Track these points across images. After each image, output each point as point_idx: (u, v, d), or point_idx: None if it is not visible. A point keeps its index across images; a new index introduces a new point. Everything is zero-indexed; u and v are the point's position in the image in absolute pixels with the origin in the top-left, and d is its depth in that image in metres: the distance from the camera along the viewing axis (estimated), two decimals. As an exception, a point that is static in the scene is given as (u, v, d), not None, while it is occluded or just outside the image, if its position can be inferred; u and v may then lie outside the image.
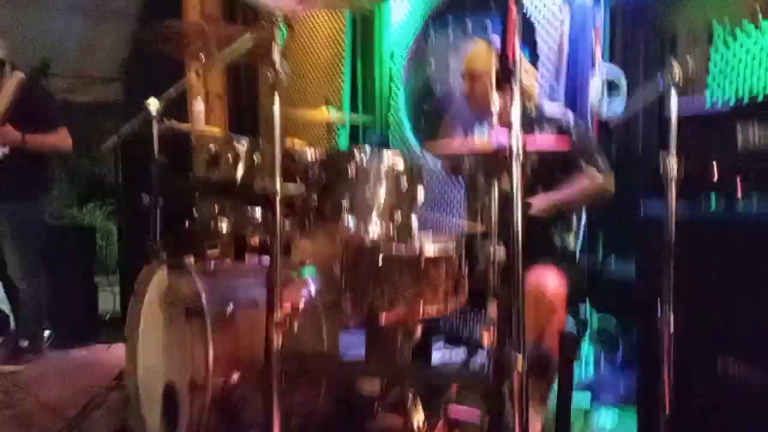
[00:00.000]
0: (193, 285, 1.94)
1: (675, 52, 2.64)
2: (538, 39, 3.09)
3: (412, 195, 1.82)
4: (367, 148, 1.77)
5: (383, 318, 1.99)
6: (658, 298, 1.66)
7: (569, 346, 1.87)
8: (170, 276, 2.04)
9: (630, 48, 2.82)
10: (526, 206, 2.04)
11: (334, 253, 2.28)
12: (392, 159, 1.76)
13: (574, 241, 2.42)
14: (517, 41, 1.12)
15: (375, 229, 1.75)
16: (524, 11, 3.04)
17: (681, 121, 1.62)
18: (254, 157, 2.01)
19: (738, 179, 1.71)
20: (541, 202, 2.17)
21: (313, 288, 2.24)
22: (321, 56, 4.05)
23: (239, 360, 1.92)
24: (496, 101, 1.72)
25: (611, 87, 2.84)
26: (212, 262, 2.09)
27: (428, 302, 1.99)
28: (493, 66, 2.29)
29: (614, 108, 2.82)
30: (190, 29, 2.27)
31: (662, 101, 2.60)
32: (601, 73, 2.85)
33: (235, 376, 1.89)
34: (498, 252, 1.73)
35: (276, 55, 1.50)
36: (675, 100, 1.52)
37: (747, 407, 1.67)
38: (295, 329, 1.97)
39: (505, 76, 1.18)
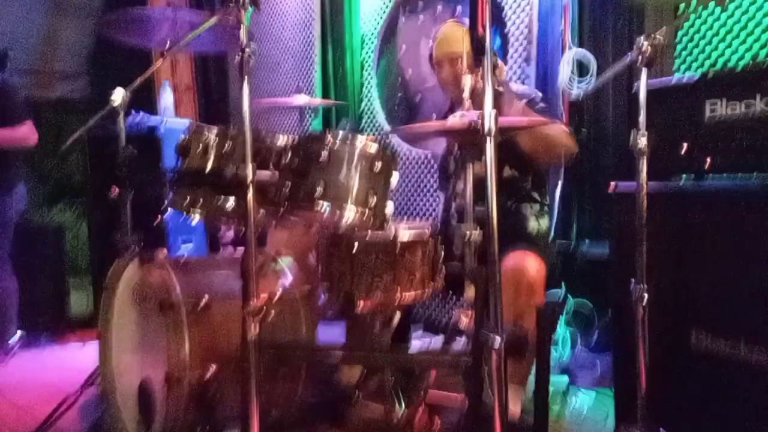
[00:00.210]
0: (166, 278, 1.90)
1: (642, 31, 2.67)
2: (508, 22, 3.09)
3: (386, 179, 1.80)
4: (340, 131, 1.74)
5: (361, 305, 1.98)
6: (632, 277, 1.68)
7: (548, 318, 1.88)
8: (142, 269, 1.99)
9: (598, 29, 2.83)
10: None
11: (309, 243, 2.27)
12: (365, 142, 1.74)
13: (547, 224, 2.43)
14: (487, 16, 1.11)
15: (350, 214, 1.72)
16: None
17: (649, 96, 1.64)
18: (225, 144, 1.97)
19: (706, 152, 1.73)
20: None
21: (289, 277, 2.22)
22: (291, 44, 4.00)
23: (216, 353, 1.89)
24: (467, 83, 1.71)
25: (581, 68, 2.85)
26: (185, 254, 2.05)
27: (405, 288, 1.98)
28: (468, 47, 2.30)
29: (585, 89, 2.84)
30: (155, 15, 2.20)
31: (630, 78, 2.68)
32: (570, 54, 2.86)
33: (212, 369, 1.86)
34: (474, 234, 1.73)
35: (244, 36, 1.47)
36: (644, 77, 1.53)
37: (720, 380, 1.70)
38: (272, 319, 1.95)
39: (476, 53, 1.16)
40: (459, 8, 3.29)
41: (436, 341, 3.22)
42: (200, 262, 2.12)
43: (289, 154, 1.79)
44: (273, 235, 2.56)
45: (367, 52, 3.77)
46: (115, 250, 2.32)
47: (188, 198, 2.27)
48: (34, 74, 5.53)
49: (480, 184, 1.45)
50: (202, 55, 4.53)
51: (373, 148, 1.75)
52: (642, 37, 1.51)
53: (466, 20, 2.47)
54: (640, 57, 1.50)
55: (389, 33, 3.67)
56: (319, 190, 1.71)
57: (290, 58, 3.97)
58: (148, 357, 1.99)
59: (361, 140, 1.75)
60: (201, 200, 2.24)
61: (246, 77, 1.49)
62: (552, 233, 2.54)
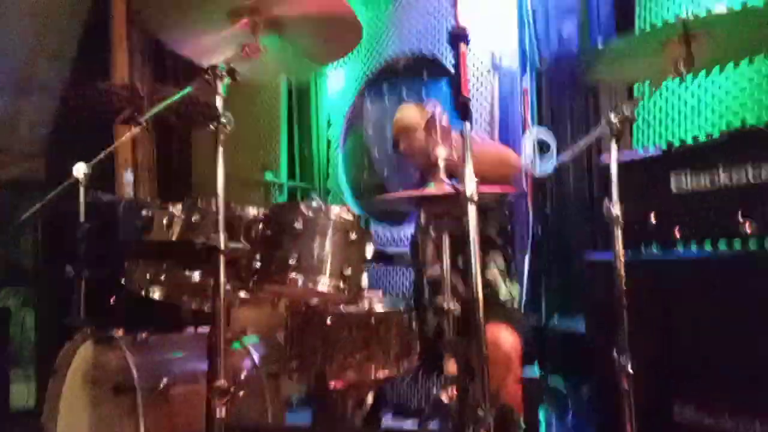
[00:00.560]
0: (122, 358, 1.77)
1: (598, 111, 2.80)
2: (470, 105, 3.20)
3: (361, 249, 1.76)
4: (314, 201, 1.71)
5: (332, 385, 1.88)
6: (614, 350, 1.64)
7: (534, 390, 1.82)
8: (96, 350, 1.85)
9: (557, 110, 2.96)
10: None
11: (277, 320, 2.17)
12: (340, 211, 1.71)
13: (518, 292, 2.41)
14: (468, 75, 1.13)
15: (324, 286, 1.66)
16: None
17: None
18: (192, 218, 1.91)
19: (674, 223, 1.76)
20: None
21: (255, 357, 2.11)
22: (258, 123, 4.03)
23: (175, 439, 1.74)
24: (441, 153, 1.72)
25: (542, 147, 2.95)
26: (143, 334, 1.93)
27: (379, 366, 1.90)
28: (424, 120, 2.37)
29: (545, 167, 2.92)
30: (122, 89, 2.18)
31: (591, 152, 2.77)
32: (531, 134, 2.96)
33: (171, 459, 1.71)
34: (452, 306, 1.69)
35: (220, 106, 1.45)
36: (614, 150, 1.57)
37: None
38: (237, 402, 1.83)
39: (462, 116, 1.18)
40: (423, 89, 3.40)
41: (408, 425, 3.08)
42: (159, 340, 1.99)
43: (261, 225, 1.74)
44: (238, 313, 2.45)
45: (333, 134, 3.83)
46: (65, 337, 2.17)
47: (148, 275, 2.19)
48: (-9, 155, 5.41)
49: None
50: (165, 132, 4.52)
51: (349, 216, 1.72)
52: (610, 111, 1.55)
53: (433, 100, 2.57)
54: (609, 129, 1.54)
55: (355, 114, 3.75)
56: (292, 261, 1.65)
57: (255, 136, 3.99)
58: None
59: (335, 209, 1.72)
60: (163, 276, 2.15)
61: (221, 146, 1.46)
62: (522, 306, 2.52)
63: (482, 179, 2.18)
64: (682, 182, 1.75)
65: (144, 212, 2.20)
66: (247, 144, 3.98)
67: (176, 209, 2.10)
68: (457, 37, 1.12)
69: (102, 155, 2.42)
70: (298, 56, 1.71)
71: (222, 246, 1.43)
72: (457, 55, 1.12)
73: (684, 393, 1.70)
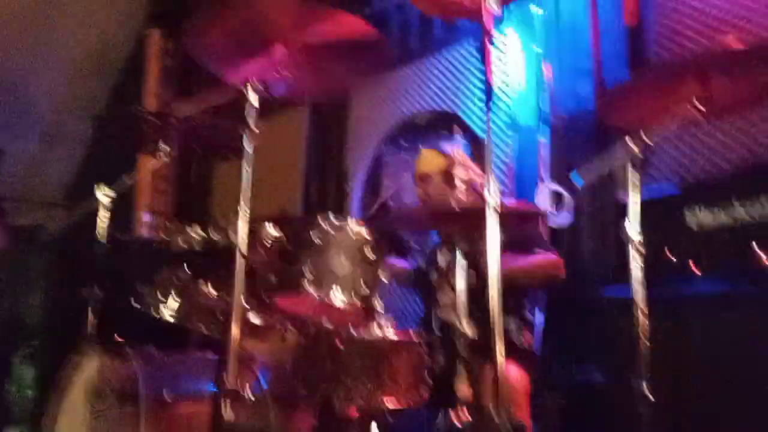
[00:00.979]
0: (129, 367, 1.74)
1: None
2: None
3: (377, 269, 1.76)
4: (332, 216, 1.73)
5: (339, 410, 1.83)
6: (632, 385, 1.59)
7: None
8: (103, 360, 1.83)
9: (572, 164, 3.01)
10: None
11: (285, 354, 2.14)
12: (359, 228, 1.73)
13: (530, 340, 2.37)
14: (494, 68, 1.19)
15: (340, 301, 1.65)
16: (475, 134, 3.26)
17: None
18: (212, 236, 1.93)
19: (692, 259, 1.76)
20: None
21: (262, 381, 2.06)
22: (278, 165, 4.11)
23: (174, 456, 1.68)
24: (460, 174, 1.76)
25: (557, 200, 2.98)
26: (152, 348, 1.91)
27: (389, 395, 1.85)
28: (442, 167, 2.43)
29: (561, 220, 2.94)
30: (154, 115, 2.27)
31: (602, 205, 2.79)
32: (544, 188, 3.01)
33: (169, 476, 1.65)
34: (468, 330, 1.66)
35: (250, 116, 1.51)
36: (634, 176, 1.59)
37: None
38: (240, 425, 1.77)
39: (487, 99, 1.22)
40: (441, 144, 3.48)
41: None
42: (167, 357, 1.96)
43: (279, 238, 1.75)
44: (247, 344, 2.42)
45: (350, 183, 3.90)
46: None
47: (160, 295, 2.19)
48: (10, 201, 5.54)
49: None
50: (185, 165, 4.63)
51: (368, 235, 1.74)
52: (628, 138, 1.59)
53: (454, 146, 2.64)
54: (629, 156, 1.57)
55: (373, 168, 3.84)
56: (309, 275, 1.65)
57: (275, 178, 4.06)
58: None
59: (355, 226, 1.73)
60: (176, 298, 2.16)
61: (249, 153, 1.51)
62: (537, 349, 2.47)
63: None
64: (698, 218, 1.76)
65: (163, 236, 2.25)
66: (265, 183, 4.05)
67: (195, 231, 2.13)
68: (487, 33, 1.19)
69: (126, 180, 2.49)
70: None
71: (241, 246, 1.44)
72: (484, 48, 1.18)
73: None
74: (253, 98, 1.52)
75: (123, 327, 2.52)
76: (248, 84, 1.53)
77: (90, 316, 2.26)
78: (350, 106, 3.99)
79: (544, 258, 2.32)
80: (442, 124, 3.51)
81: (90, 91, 5.43)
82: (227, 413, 1.36)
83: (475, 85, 3.40)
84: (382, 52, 1.73)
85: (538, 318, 2.53)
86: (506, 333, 2.29)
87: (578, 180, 1.75)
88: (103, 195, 2.41)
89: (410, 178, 3.63)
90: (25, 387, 5.52)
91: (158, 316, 2.16)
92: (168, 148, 2.39)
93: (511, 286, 2.23)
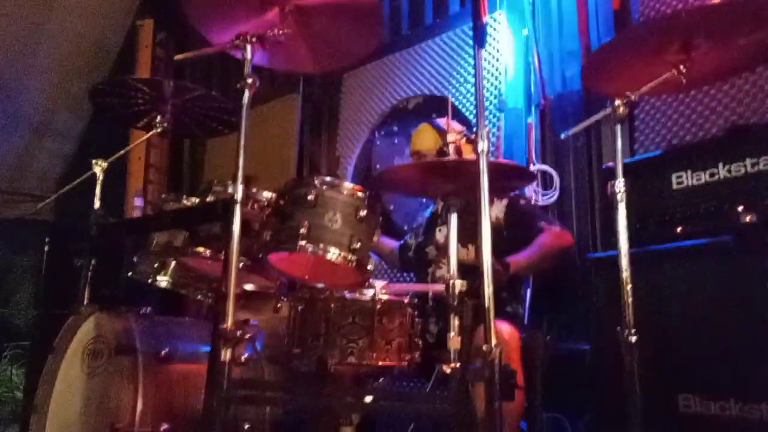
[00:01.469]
0: (126, 324, 1.77)
1: (600, 148, 2.91)
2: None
3: (370, 228, 1.80)
4: (327, 177, 1.77)
5: (334, 369, 1.87)
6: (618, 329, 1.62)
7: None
8: (101, 319, 1.85)
9: (560, 146, 3.07)
10: (506, 268, 2.07)
11: (278, 322, 2.18)
12: (353, 188, 1.77)
13: (521, 311, 2.42)
14: (486, 6, 1.23)
15: (333, 254, 1.69)
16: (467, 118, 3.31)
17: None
18: (207, 200, 1.96)
19: (676, 221, 1.81)
20: (518, 262, 2.18)
21: (257, 343, 2.09)
22: (269, 157, 4.15)
23: (169, 410, 1.71)
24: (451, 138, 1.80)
25: (545, 181, 3.04)
26: (148, 308, 1.93)
27: (381, 354, 1.89)
28: (438, 145, 2.47)
29: (550, 199, 3.00)
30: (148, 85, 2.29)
31: (591, 188, 2.86)
32: (534, 167, 3.06)
33: (164, 428, 1.67)
34: (459, 284, 1.69)
35: (247, 68, 1.55)
36: (619, 132, 1.65)
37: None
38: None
39: (479, 36, 1.26)
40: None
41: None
42: (165, 319, 1.99)
43: (273, 197, 1.79)
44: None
45: (341, 171, 3.93)
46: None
47: (156, 264, 2.22)
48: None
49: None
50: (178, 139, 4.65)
51: (360, 194, 1.78)
52: (616, 99, 1.64)
53: (441, 122, 2.69)
54: (614, 113, 1.62)
55: (364, 153, 3.88)
56: (303, 230, 1.69)
57: (268, 165, 4.09)
58: (91, 421, 1.78)
59: (348, 185, 1.77)
60: (170, 266, 2.19)
61: (245, 107, 1.55)
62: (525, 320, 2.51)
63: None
64: (683, 181, 1.82)
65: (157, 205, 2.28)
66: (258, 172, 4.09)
67: (189, 201, 2.17)
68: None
69: (121, 152, 2.51)
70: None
71: (238, 197, 1.48)
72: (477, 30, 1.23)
73: (688, 384, 1.68)
74: (249, 51, 1.55)
75: (117, 296, 2.55)
76: (243, 38, 1.56)
77: (84, 284, 2.28)
78: (341, 92, 4.03)
79: (550, 235, 2.33)
80: (433, 108, 3.57)
81: (82, 83, 5.44)
82: (225, 355, 1.39)
83: (465, 70, 3.45)
84: (376, 18, 1.77)
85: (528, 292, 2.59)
86: (502, 305, 2.34)
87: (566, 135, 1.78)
88: (98, 166, 2.43)
89: (401, 162, 3.70)
90: (13, 389, 5.46)
91: (154, 284, 2.21)
92: (163, 120, 2.43)
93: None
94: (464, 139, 1.96)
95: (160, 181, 5.11)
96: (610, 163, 2.06)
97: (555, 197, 2.95)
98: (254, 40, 1.56)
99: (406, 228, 3.31)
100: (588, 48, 3.02)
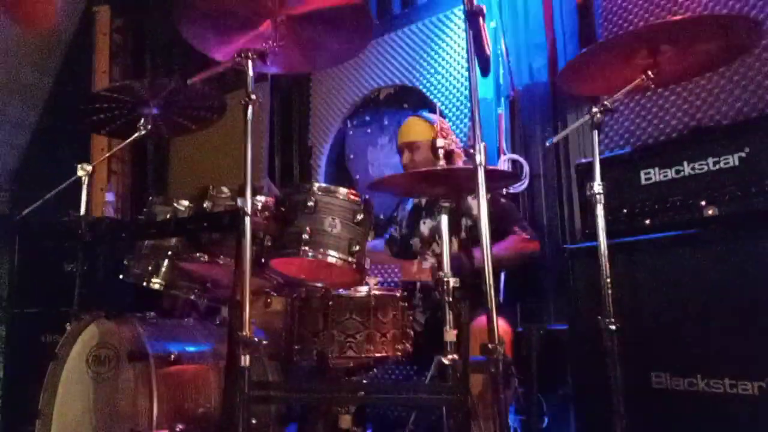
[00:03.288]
0: (134, 330, 1.83)
1: (566, 137, 3.07)
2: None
3: (366, 230, 1.89)
4: (323, 184, 1.85)
5: (333, 363, 1.98)
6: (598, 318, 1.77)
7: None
8: (106, 325, 1.90)
9: (528, 135, 3.22)
10: (471, 259, 2.19)
11: (270, 316, 2.26)
12: (348, 193, 1.85)
13: (500, 299, 2.58)
14: (488, 38, 1.33)
15: (334, 257, 1.79)
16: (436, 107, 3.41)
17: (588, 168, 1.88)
18: (204, 204, 2.01)
19: (645, 214, 1.97)
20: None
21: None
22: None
23: (183, 411, 1.79)
24: (439, 144, 1.91)
25: (515, 169, 3.18)
26: (151, 313, 1.99)
27: (377, 346, 2.01)
28: (430, 136, 2.54)
29: (520, 187, 3.15)
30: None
31: (559, 179, 3.03)
32: (504, 158, 3.20)
33: (180, 429, 1.75)
34: (452, 281, 1.81)
35: (249, 84, 1.61)
36: (596, 137, 1.78)
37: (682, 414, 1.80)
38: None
39: (483, 72, 1.36)
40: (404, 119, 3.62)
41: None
42: (169, 322, 2.05)
43: (273, 204, 1.86)
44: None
45: (314, 160, 3.99)
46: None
47: (150, 266, 2.26)
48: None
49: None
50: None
51: (355, 198, 1.87)
52: (594, 106, 1.78)
53: (429, 115, 2.77)
54: (593, 119, 1.76)
55: (336, 143, 3.94)
56: (305, 236, 1.77)
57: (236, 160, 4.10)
58: (100, 425, 1.84)
59: (344, 191, 1.86)
60: (164, 267, 2.23)
61: (249, 122, 1.61)
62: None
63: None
64: (651, 177, 1.98)
65: (145, 209, 2.31)
66: (227, 165, 4.08)
67: (181, 205, 2.21)
68: (475, 14, 1.32)
69: (105, 156, 2.52)
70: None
71: (248, 209, 1.55)
72: (477, 24, 1.32)
73: (660, 362, 1.87)
74: (250, 68, 1.61)
75: (108, 299, 2.57)
76: (245, 54, 1.61)
77: (77, 290, 2.30)
78: (311, 81, 4.07)
79: (518, 239, 2.47)
80: (404, 98, 3.65)
81: (35, 72, 5.27)
82: (243, 360, 1.47)
83: (435, 60, 3.54)
84: (365, 17, 1.83)
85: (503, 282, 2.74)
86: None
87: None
88: (82, 170, 2.43)
89: (374, 151, 3.78)
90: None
91: (146, 286, 2.25)
92: (147, 122, 2.44)
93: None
94: (453, 145, 2.07)
95: (123, 171, 5.06)
96: (583, 160, 2.23)
97: (525, 185, 3.11)
98: (255, 56, 1.61)
99: (382, 217, 3.41)
100: (553, 41, 3.16)
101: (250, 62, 1.62)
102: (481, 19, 1.33)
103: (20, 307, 3.42)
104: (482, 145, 1.43)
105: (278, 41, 1.74)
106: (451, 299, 1.69)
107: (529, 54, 3.25)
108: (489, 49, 1.31)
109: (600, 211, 1.76)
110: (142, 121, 2.41)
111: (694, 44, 1.81)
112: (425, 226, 2.66)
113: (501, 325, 2.12)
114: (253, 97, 1.60)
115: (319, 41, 1.87)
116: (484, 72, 1.37)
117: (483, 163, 1.45)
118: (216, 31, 1.79)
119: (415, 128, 2.66)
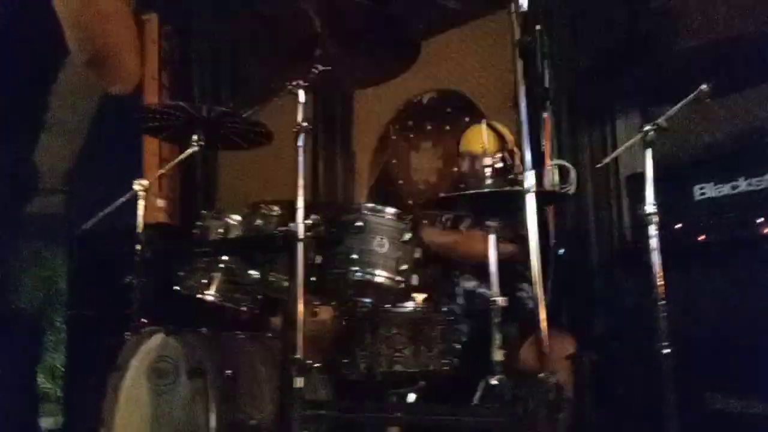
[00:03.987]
0: (191, 346, 1.90)
1: (615, 142, 3.01)
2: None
3: (412, 250, 1.92)
4: (371, 203, 1.88)
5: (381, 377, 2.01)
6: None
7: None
8: (165, 341, 1.98)
9: (576, 142, 3.16)
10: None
11: (315, 326, 2.31)
12: (395, 214, 1.88)
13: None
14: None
15: (381, 277, 1.82)
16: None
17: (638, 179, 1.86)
18: (255, 221, 2.07)
19: (699, 229, 1.93)
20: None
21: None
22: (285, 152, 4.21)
23: (237, 424, 1.85)
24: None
25: (562, 176, 3.13)
26: (204, 329, 2.06)
27: (424, 360, 2.03)
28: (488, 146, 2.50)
29: (567, 191, 3.10)
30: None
31: (607, 179, 2.96)
32: (551, 164, 3.15)
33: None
34: (500, 300, 1.82)
35: (301, 114, 1.65)
36: (649, 156, 1.76)
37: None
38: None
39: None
40: (447, 128, 3.62)
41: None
42: (223, 336, 2.12)
43: (322, 225, 1.90)
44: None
45: (357, 165, 4.02)
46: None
47: (204, 279, 2.33)
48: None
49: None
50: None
51: (403, 218, 1.89)
52: (647, 124, 1.75)
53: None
54: (648, 135, 1.73)
55: (380, 148, 3.96)
56: (355, 256, 1.81)
57: (282, 163, 4.16)
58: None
59: (391, 211, 1.89)
60: (217, 280, 2.30)
61: (301, 149, 1.65)
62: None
63: None
64: (705, 192, 1.93)
65: (198, 223, 2.38)
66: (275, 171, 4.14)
67: (232, 218, 2.27)
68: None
69: (164, 170, 2.60)
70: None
71: (300, 234, 1.59)
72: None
73: (715, 383, 1.83)
74: (302, 97, 1.65)
75: (164, 311, 2.67)
76: (297, 84, 1.65)
77: (135, 301, 2.39)
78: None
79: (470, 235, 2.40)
80: (447, 103, 3.64)
81: (85, 77, 5.46)
82: (298, 382, 1.52)
83: (479, 64, 3.51)
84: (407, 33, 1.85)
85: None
86: (523, 302, 2.46)
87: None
88: (138, 185, 2.51)
89: (417, 156, 3.79)
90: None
91: (201, 298, 2.32)
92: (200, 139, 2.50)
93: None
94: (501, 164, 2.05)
95: (172, 175, 5.18)
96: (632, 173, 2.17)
97: (572, 190, 3.04)
98: (306, 85, 1.65)
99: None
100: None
101: (301, 91, 1.65)
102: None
103: (78, 309, 3.58)
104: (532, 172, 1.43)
105: (329, 64, 1.76)
106: (498, 322, 1.70)
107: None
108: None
109: (653, 231, 1.73)
110: (194, 137, 2.48)
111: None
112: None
113: (567, 346, 2.09)
114: (305, 124, 1.63)
115: (367, 61, 1.90)
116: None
117: (533, 188, 1.45)
118: (271, 63, 1.83)
119: (477, 136, 2.57)
